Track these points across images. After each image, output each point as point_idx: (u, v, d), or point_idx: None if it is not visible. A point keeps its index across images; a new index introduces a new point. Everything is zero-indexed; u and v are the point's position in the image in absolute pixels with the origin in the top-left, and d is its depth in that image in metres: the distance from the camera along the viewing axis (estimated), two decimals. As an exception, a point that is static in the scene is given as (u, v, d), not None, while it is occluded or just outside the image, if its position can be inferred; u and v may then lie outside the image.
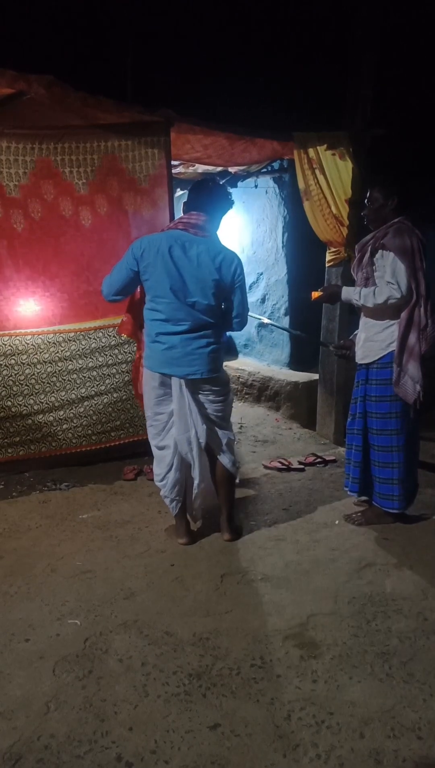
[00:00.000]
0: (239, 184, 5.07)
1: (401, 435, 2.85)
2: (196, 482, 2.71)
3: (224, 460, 2.76)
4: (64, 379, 3.55)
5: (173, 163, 3.87)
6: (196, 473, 2.69)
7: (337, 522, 3.05)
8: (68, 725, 1.73)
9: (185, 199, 2.71)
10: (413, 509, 3.10)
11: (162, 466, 2.73)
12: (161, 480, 2.75)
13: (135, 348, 3.70)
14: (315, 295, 3.12)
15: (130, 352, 3.69)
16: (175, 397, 2.62)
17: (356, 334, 3.08)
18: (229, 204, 2.69)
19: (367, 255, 2.81)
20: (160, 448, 2.74)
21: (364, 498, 3.09)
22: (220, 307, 2.65)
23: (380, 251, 2.76)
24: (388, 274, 2.71)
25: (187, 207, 2.66)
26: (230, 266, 2.58)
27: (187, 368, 2.58)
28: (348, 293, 2.89)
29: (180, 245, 2.54)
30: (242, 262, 2.67)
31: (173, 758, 1.62)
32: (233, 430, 2.87)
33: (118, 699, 1.83)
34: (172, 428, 2.68)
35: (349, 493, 3.04)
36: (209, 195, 2.62)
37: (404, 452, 2.87)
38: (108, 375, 3.66)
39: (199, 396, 2.65)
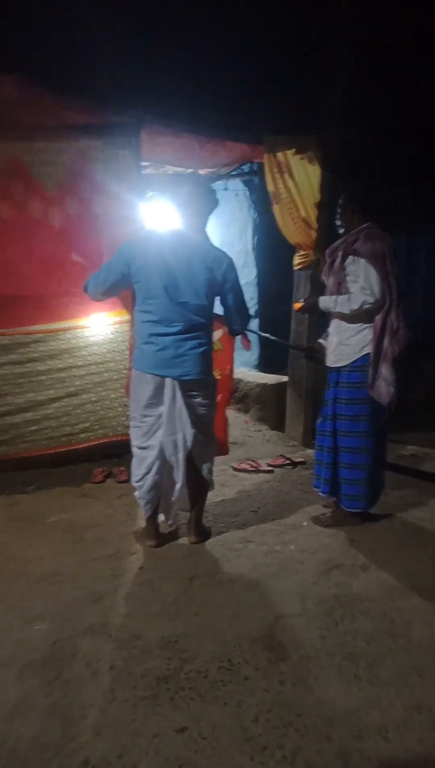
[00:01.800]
0: (210, 186, 5.08)
1: (369, 437, 2.90)
2: (178, 486, 2.68)
3: (203, 466, 2.75)
4: (33, 381, 3.50)
5: (144, 164, 3.85)
6: (178, 476, 2.67)
7: (305, 524, 3.08)
8: (34, 730, 1.71)
9: (171, 197, 2.70)
10: (380, 509, 3.16)
11: (142, 467, 2.69)
12: (138, 481, 2.71)
13: (104, 349, 3.69)
14: (297, 306, 3.27)
15: (99, 354, 3.66)
16: (166, 398, 2.59)
17: (325, 337, 3.13)
18: (216, 202, 2.69)
19: (338, 260, 2.86)
20: (143, 449, 2.70)
21: (332, 499, 3.13)
22: (211, 307, 2.67)
23: (351, 256, 2.81)
24: (361, 280, 2.77)
25: (176, 206, 2.65)
26: (221, 265, 2.60)
27: (180, 369, 2.57)
28: (325, 302, 2.94)
29: (171, 245, 2.54)
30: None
31: (140, 762, 1.61)
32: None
33: (85, 703, 1.82)
34: (158, 430, 2.65)
35: (320, 494, 3.08)
36: (198, 194, 2.62)
37: (372, 454, 2.92)
38: (77, 376, 3.62)
39: (188, 399, 2.63)
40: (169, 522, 2.86)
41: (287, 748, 1.67)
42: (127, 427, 3.76)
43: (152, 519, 2.79)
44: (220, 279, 2.61)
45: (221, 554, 2.75)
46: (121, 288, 2.67)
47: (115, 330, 3.68)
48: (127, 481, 3.53)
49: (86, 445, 3.74)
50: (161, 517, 2.83)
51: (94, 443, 3.76)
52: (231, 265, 2.64)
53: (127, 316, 3.52)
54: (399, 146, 4.85)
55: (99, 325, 3.64)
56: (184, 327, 2.56)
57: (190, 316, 2.56)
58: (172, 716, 1.77)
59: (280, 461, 3.95)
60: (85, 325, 3.59)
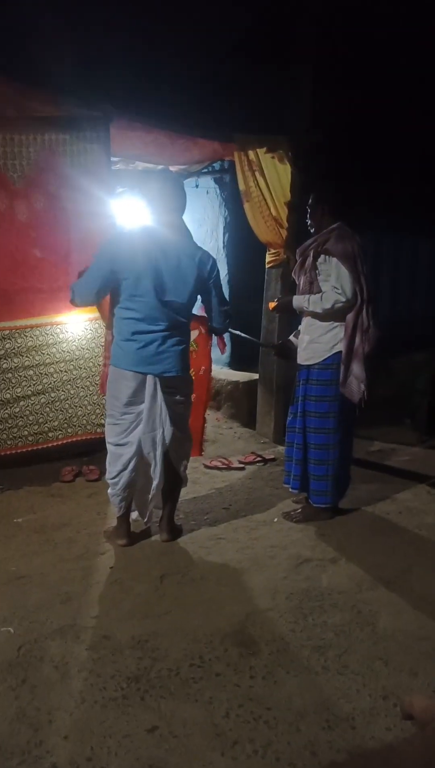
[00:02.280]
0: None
1: (337, 433, 2.93)
2: (154, 482, 2.66)
3: (178, 463, 2.74)
4: (-1, 379, 3.43)
5: (113, 159, 3.81)
6: (156, 473, 2.65)
7: (275, 520, 3.10)
8: (0, 736, 1.67)
9: (140, 193, 2.67)
10: (349, 504, 3.20)
11: (117, 464, 2.65)
12: (114, 478, 2.67)
13: (73, 347, 3.63)
14: (271, 305, 3.30)
15: (68, 351, 3.60)
16: (147, 395, 2.58)
17: (295, 335, 3.15)
18: (185, 198, 2.67)
19: (310, 259, 2.88)
20: (119, 446, 2.66)
21: (303, 495, 3.16)
22: (192, 306, 2.68)
23: (323, 256, 2.83)
24: (333, 279, 2.80)
25: (146, 201, 2.62)
26: (207, 264, 2.62)
27: (162, 366, 2.57)
28: (298, 301, 2.97)
29: (159, 244, 2.53)
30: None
31: (110, 764, 1.59)
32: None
33: (52, 707, 1.79)
34: (136, 427, 2.62)
35: (290, 489, 3.10)
36: (169, 189, 2.59)
37: (339, 450, 2.96)
38: (45, 374, 3.56)
39: (167, 396, 2.61)
40: (144, 521, 2.84)
41: (258, 742, 1.67)
42: (98, 425, 3.76)
43: (124, 517, 2.75)
44: (206, 277, 2.63)
45: (193, 552, 2.74)
46: (111, 285, 2.59)
47: (85, 327, 3.63)
48: (98, 479, 3.51)
49: (55, 443, 3.68)
50: (134, 515, 2.80)
51: (63, 442, 3.70)
52: (215, 264, 2.67)
53: (96, 314, 3.47)
54: (369, 145, 4.91)
55: (68, 323, 3.58)
56: (168, 326, 2.56)
57: (173, 316, 2.57)
58: (142, 716, 1.76)
59: (251, 458, 3.96)
60: (53, 322, 3.53)
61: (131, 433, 2.64)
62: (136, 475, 2.66)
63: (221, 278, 5.00)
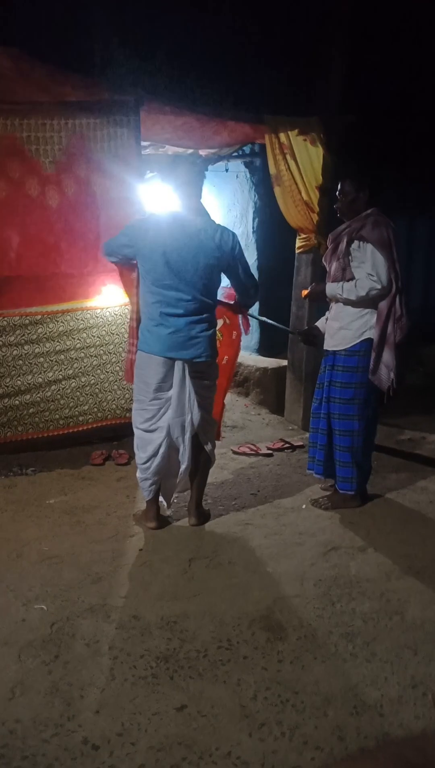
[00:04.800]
0: (210, 167, 5.02)
1: (362, 420, 2.92)
2: (183, 467, 2.69)
3: (208, 447, 2.77)
4: (31, 363, 3.48)
5: (143, 143, 3.80)
6: (184, 458, 2.68)
7: (303, 506, 3.09)
8: (34, 710, 1.72)
9: (168, 179, 2.69)
10: (378, 492, 3.19)
11: (147, 450, 2.68)
12: (144, 463, 2.70)
13: (103, 332, 3.66)
14: (304, 293, 3.26)
15: (98, 336, 3.64)
16: (176, 380, 2.60)
17: (322, 320, 3.12)
18: (202, 182, 2.70)
19: (343, 245, 2.84)
20: (149, 432, 2.69)
21: (331, 482, 3.14)
22: (216, 286, 2.68)
23: (357, 242, 2.79)
24: (368, 266, 2.76)
25: (174, 187, 2.63)
26: (229, 242, 2.60)
27: (192, 351, 2.59)
28: (332, 289, 2.92)
29: (180, 227, 2.55)
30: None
31: (140, 740, 1.63)
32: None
33: (84, 683, 1.83)
34: (165, 413, 2.65)
35: (314, 475, 3.11)
36: (195, 174, 2.64)
37: (363, 437, 2.95)
38: (76, 359, 3.60)
39: (195, 380, 2.63)
40: (168, 506, 2.88)
41: (285, 725, 1.68)
42: (127, 410, 3.79)
43: (153, 501, 2.78)
44: (230, 255, 2.62)
45: (220, 536, 2.76)
46: (125, 259, 2.71)
47: (114, 312, 3.66)
48: (127, 463, 3.55)
49: (85, 427, 3.74)
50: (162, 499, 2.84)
51: (93, 426, 3.75)
52: (236, 239, 2.65)
53: (125, 299, 3.49)
54: (405, 127, 4.78)
55: (98, 308, 3.61)
56: (195, 309, 2.58)
57: (199, 297, 2.58)
58: (171, 695, 1.79)
59: (279, 445, 3.96)
60: (84, 307, 3.56)
61: (160, 419, 2.65)
62: (165, 460, 2.68)
63: (250, 263, 4.99)
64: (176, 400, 2.62)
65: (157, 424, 2.66)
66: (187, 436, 2.65)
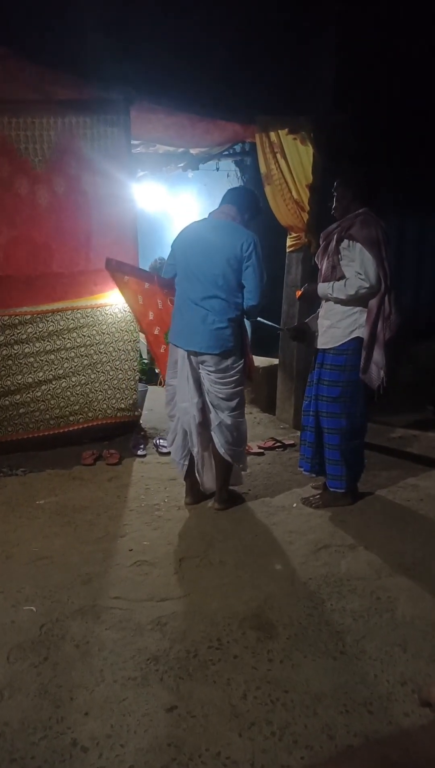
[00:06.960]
0: (201, 166, 5.02)
1: (350, 418, 2.93)
2: (195, 450, 2.90)
3: (215, 440, 2.88)
4: (21, 363, 3.46)
5: (133, 142, 3.79)
6: (194, 441, 2.88)
7: (294, 505, 3.10)
8: (23, 712, 1.71)
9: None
10: (369, 490, 3.19)
11: (171, 432, 2.97)
12: (172, 444, 2.98)
13: (94, 331, 3.65)
14: (298, 293, 3.32)
15: (88, 336, 3.62)
16: (179, 366, 2.84)
17: (312, 318, 3.12)
18: (259, 211, 2.99)
19: (333, 243, 2.85)
20: (170, 416, 2.97)
21: (321, 480, 3.15)
22: (230, 286, 2.75)
23: (347, 241, 2.79)
24: (357, 265, 2.77)
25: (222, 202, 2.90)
26: (247, 242, 2.72)
27: (197, 342, 2.75)
28: (323, 289, 2.93)
29: (209, 227, 2.81)
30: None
31: (129, 741, 1.62)
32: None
33: (74, 685, 1.82)
34: (176, 398, 2.90)
35: (303, 472, 3.12)
36: (244, 196, 2.93)
37: (351, 435, 2.96)
38: (66, 359, 3.59)
39: (201, 371, 2.81)
40: (202, 486, 3.07)
41: (275, 724, 1.68)
42: (118, 410, 3.80)
43: (187, 478, 3.01)
44: (247, 255, 2.72)
45: (211, 536, 2.76)
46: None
47: (105, 312, 3.64)
48: (118, 463, 3.55)
49: (76, 427, 3.72)
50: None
51: (83, 426, 3.74)
52: (254, 243, 2.73)
53: (117, 300, 3.48)
54: (395, 126, 4.79)
55: (88, 307, 3.59)
56: (209, 304, 2.73)
57: (213, 291, 2.72)
58: (161, 695, 1.78)
59: (270, 443, 3.96)
60: (74, 307, 3.55)
61: (175, 403, 2.92)
62: (183, 441, 2.91)
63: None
64: (181, 385, 2.84)
65: (173, 411, 2.93)
66: (194, 422, 2.83)
